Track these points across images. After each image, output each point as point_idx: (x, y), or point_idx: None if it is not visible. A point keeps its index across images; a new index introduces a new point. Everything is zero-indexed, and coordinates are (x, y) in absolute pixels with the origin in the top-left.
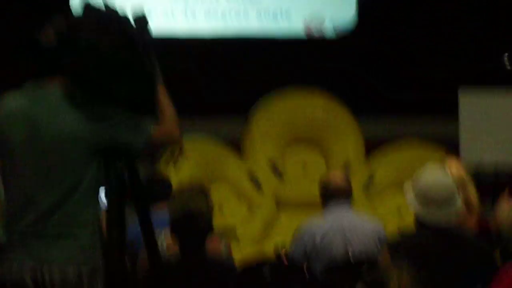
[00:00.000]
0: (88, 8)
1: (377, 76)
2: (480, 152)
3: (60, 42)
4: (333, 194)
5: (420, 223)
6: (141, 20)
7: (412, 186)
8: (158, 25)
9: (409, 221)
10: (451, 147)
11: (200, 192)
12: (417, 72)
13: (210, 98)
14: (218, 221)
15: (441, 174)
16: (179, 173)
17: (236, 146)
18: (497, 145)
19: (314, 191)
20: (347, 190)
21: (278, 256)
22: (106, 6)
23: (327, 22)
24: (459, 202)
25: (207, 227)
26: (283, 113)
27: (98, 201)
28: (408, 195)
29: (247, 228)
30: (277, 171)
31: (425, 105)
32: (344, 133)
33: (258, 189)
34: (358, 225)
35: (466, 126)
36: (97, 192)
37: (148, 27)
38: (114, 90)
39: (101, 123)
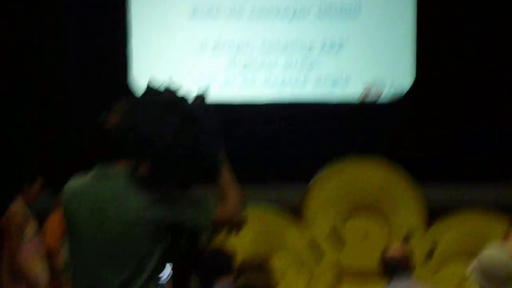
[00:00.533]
0: (150, 91)
1: (437, 142)
2: None
3: (124, 127)
4: (393, 268)
5: None
6: (202, 101)
7: (475, 264)
8: (219, 94)
9: None
10: None
11: (261, 267)
12: (477, 137)
13: (271, 165)
14: None
15: (503, 253)
16: (240, 243)
17: (296, 214)
18: None
19: (376, 260)
20: (407, 263)
21: None
22: (167, 89)
23: (386, 88)
24: None
25: None
26: (344, 181)
27: (160, 278)
28: (472, 273)
29: None
30: (339, 239)
31: (487, 171)
32: (405, 202)
33: (320, 257)
34: None
35: None
36: (162, 270)
37: (210, 109)
38: (178, 173)
39: (167, 204)
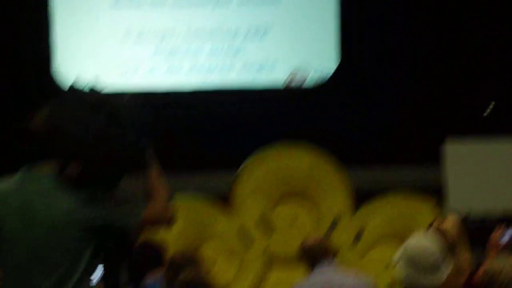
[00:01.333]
0: (75, 91)
1: (362, 125)
2: (467, 201)
3: (49, 129)
4: (312, 258)
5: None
6: (129, 99)
7: (401, 252)
8: (143, 82)
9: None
10: (439, 195)
11: (193, 260)
12: (401, 120)
13: (198, 153)
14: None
15: (429, 241)
16: (169, 234)
17: (225, 202)
18: (484, 194)
19: None
20: (326, 252)
21: None
22: (93, 89)
23: (311, 72)
24: (445, 269)
25: None
26: (271, 168)
27: (91, 280)
28: (398, 261)
29: (239, 285)
30: (268, 226)
31: (412, 153)
32: (332, 187)
33: (249, 245)
34: (347, 282)
35: (452, 177)
36: (94, 271)
37: (137, 106)
38: (107, 173)
39: (96, 205)
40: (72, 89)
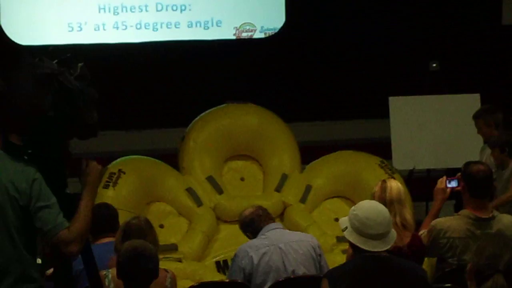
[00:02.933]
0: (27, 61)
1: (307, 80)
2: (412, 158)
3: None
4: (258, 223)
5: (357, 250)
6: (80, 70)
7: (350, 219)
8: (89, 39)
9: None
10: (384, 149)
11: (147, 228)
12: (347, 76)
13: (145, 110)
14: (160, 239)
15: (378, 209)
16: (118, 194)
17: (174, 160)
18: (428, 148)
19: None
20: (267, 215)
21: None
22: (43, 59)
23: (257, 30)
24: (394, 233)
25: (153, 270)
26: (219, 128)
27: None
28: (345, 227)
29: (188, 244)
30: (216, 186)
31: (356, 109)
32: (279, 146)
33: (198, 204)
34: (292, 242)
35: (397, 131)
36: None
37: (87, 78)
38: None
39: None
40: (25, 58)
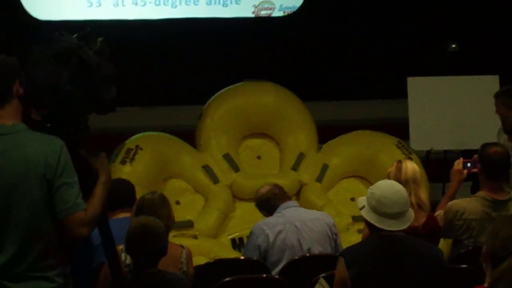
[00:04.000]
0: (44, 38)
1: (324, 60)
2: (429, 139)
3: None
4: (274, 202)
5: (374, 229)
6: (98, 46)
7: (367, 198)
8: (108, 15)
9: None
10: (402, 130)
11: (160, 203)
12: (364, 56)
13: (162, 87)
14: (176, 216)
15: (395, 188)
16: (135, 170)
17: (190, 138)
18: (446, 131)
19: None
20: (283, 194)
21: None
22: (62, 35)
23: (276, 8)
24: (411, 212)
25: (160, 247)
26: (236, 106)
27: None
28: (362, 206)
29: (204, 221)
30: (232, 164)
31: (374, 90)
32: (296, 124)
33: (215, 182)
34: (308, 220)
35: (415, 112)
36: None
37: (106, 54)
38: (74, 122)
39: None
40: (42, 35)
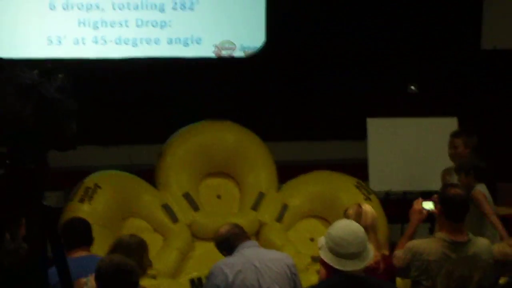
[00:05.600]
0: (6, 71)
1: (285, 100)
2: (389, 180)
3: None
4: (234, 241)
5: (333, 270)
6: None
7: (326, 239)
8: (68, 53)
9: None
10: (361, 170)
11: (136, 248)
12: (325, 97)
13: (123, 126)
14: None
15: (351, 228)
16: (94, 209)
17: (151, 176)
18: (405, 172)
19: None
20: (243, 233)
21: None
22: (24, 69)
23: (238, 49)
24: (369, 252)
25: (134, 285)
26: (196, 144)
27: None
28: (321, 246)
29: (163, 261)
30: (192, 203)
31: (334, 130)
32: (257, 164)
33: (174, 221)
34: (267, 260)
35: (375, 155)
36: None
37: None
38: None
39: None
40: (2, 69)
